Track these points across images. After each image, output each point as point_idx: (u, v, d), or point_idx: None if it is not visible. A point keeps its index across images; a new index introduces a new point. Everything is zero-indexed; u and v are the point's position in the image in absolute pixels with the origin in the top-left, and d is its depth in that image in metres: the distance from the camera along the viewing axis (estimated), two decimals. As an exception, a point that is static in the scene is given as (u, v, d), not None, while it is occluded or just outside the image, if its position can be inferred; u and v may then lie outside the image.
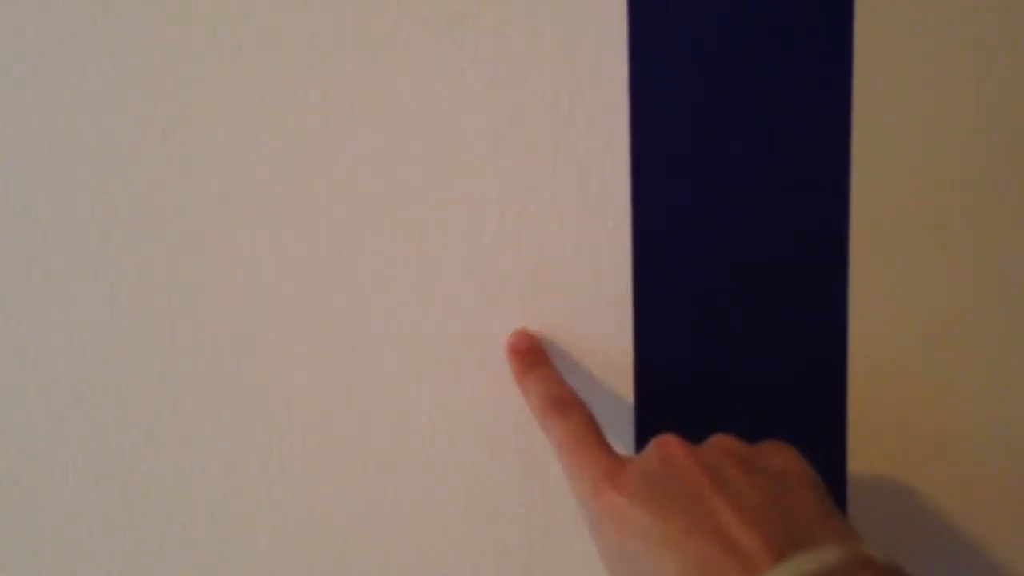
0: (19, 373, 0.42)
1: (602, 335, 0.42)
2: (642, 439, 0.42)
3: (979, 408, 0.42)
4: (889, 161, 0.40)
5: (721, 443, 0.36)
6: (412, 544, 0.43)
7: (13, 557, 0.43)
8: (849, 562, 0.30)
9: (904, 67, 0.40)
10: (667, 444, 0.36)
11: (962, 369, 0.42)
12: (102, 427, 0.42)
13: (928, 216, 0.41)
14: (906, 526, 0.43)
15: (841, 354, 0.42)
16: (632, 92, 0.40)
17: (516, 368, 0.41)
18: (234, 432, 0.42)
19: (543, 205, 0.41)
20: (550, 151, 0.40)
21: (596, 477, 0.35)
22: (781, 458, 0.36)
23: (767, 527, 0.32)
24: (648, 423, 0.42)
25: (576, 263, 0.41)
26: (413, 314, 0.41)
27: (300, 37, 0.39)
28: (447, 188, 0.40)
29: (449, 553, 0.43)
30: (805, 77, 0.40)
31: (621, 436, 0.42)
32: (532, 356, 0.41)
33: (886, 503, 0.42)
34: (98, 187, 0.40)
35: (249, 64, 0.39)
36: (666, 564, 0.32)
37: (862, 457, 0.42)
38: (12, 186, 0.40)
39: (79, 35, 0.39)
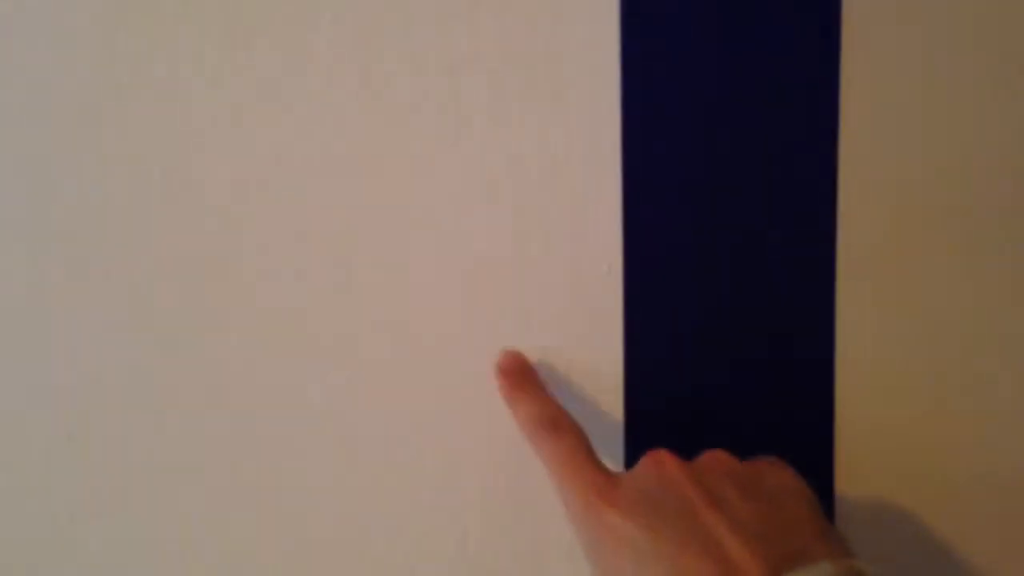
0: (20, 379, 0.42)
1: (591, 348, 0.42)
2: (631, 454, 0.42)
3: (968, 425, 0.42)
4: (876, 188, 0.41)
5: (715, 459, 0.36)
6: (402, 554, 0.43)
7: (12, 561, 0.43)
8: None
9: (892, 87, 0.40)
10: (661, 460, 0.35)
11: (951, 387, 0.42)
12: (105, 430, 0.42)
13: (917, 237, 0.41)
14: (894, 542, 0.43)
15: (828, 369, 0.42)
16: (625, 143, 0.40)
17: (504, 387, 0.40)
18: (232, 439, 0.42)
19: (536, 227, 0.41)
20: (545, 192, 0.41)
21: (589, 494, 0.35)
22: (776, 475, 0.36)
23: (761, 544, 0.32)
24: (638, 438, 0.42)
25: (567, 280, 0.41)
26: (405, 331, 0.42)
27: (306, 67, 0.40)
28: (444, 221, 0.41)
29: (439, 566, 0.43)
30: (794, 109, 0.40)
31: (610, 452, 0.42)
32: (520, 375, 0.40)
33: (874, 519, 0.42)
34: (99, 191, 0.41)
35: (260, 89, 0.40)
36: None
37: (850, 473, 0.42)
38: (13, 192, 0.41)
39: (83, 33, 0.40)
